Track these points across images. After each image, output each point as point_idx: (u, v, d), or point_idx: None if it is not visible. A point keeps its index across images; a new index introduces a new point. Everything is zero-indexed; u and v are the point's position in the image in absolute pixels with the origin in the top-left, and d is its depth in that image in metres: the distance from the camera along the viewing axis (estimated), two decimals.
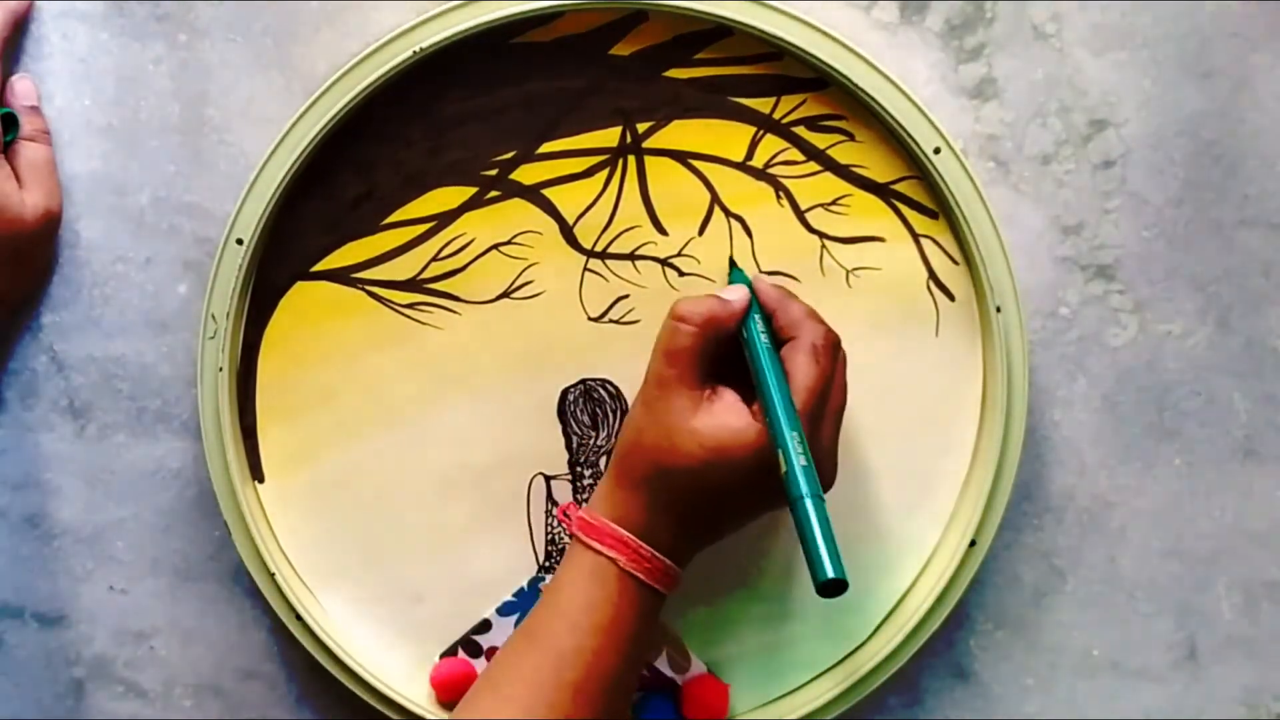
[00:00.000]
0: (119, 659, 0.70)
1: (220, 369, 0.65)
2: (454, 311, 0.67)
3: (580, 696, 0.58)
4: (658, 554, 0.59)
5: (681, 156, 0.66)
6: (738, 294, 0.62)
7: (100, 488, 0.69)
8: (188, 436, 0.69)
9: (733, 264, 0.66)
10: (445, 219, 0.66)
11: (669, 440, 0.58)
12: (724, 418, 0.58)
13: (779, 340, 0.61)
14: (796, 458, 0.56)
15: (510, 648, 0.60)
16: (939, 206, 0.66)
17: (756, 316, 0.61)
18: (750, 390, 0.60)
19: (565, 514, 0.62)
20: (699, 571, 0.66)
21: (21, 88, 0.66)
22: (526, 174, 0.66)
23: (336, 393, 0.67)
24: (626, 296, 0.67)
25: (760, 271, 0.66)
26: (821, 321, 0.62)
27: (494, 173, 0.66)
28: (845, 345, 0.65)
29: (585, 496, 0.68)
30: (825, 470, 0.60)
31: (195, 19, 0.66)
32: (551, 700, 0.57)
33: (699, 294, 0.62)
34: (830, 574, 0.54)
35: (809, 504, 0.55)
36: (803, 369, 0.59)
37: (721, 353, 0.61)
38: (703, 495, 0.59)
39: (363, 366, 0.67)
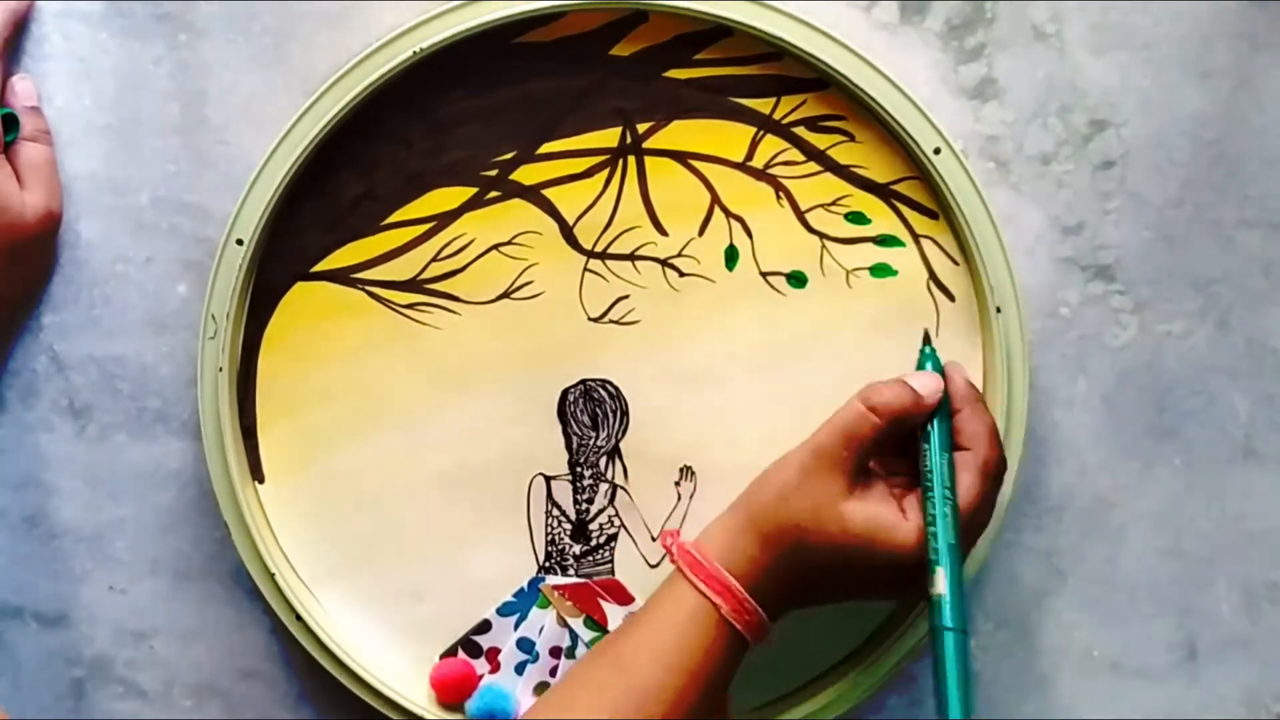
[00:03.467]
0: (119, 659, 0.70)
1: (220, 369, 0.65)
2: (454, 312, 0.67)
3: None
4: (759, 609, 0.59)
5: (681, 157, 0.66)
6: (930, 386, 0.60)
7: (100, 488, 0.69)
8: (188, 437, 0.69)
9: (926, 341, 0.64)
10: (445, 219, 0.66)
11: (814, 515, 0.58)
12: (876, 508, 0.58)
13: (949, 438, 0.61)
14: (949, 585, 0.57)
15: (591, 670, 0.60)
16: (939, 207, 0.66)
17: (940, 420, 0.60)
18: (897, 476, 0.60)
19: (669, 540, 0.61)
20: None
21: (22, 88, 0.66)
22: (526, 174, 0.66)
23: (336, 393, 0.67)
24: (627, 297, 0.67)
25: (760, 273, 0.66)
26: (998, 440, 0.61)
27: (494, 173, 0.66)
28: (845, 346, 0.65)
29: (585, 496, 0.68)
30: (980, 520, 0.61)
31: (195, 19, 0.66)
32: None
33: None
34: (959, 715, 0.55)
35: (952, 639, 0.56)
36: (967, 487, 0.59)
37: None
38: (827, 575, 0.59)
39: (363, 367, 0.67)
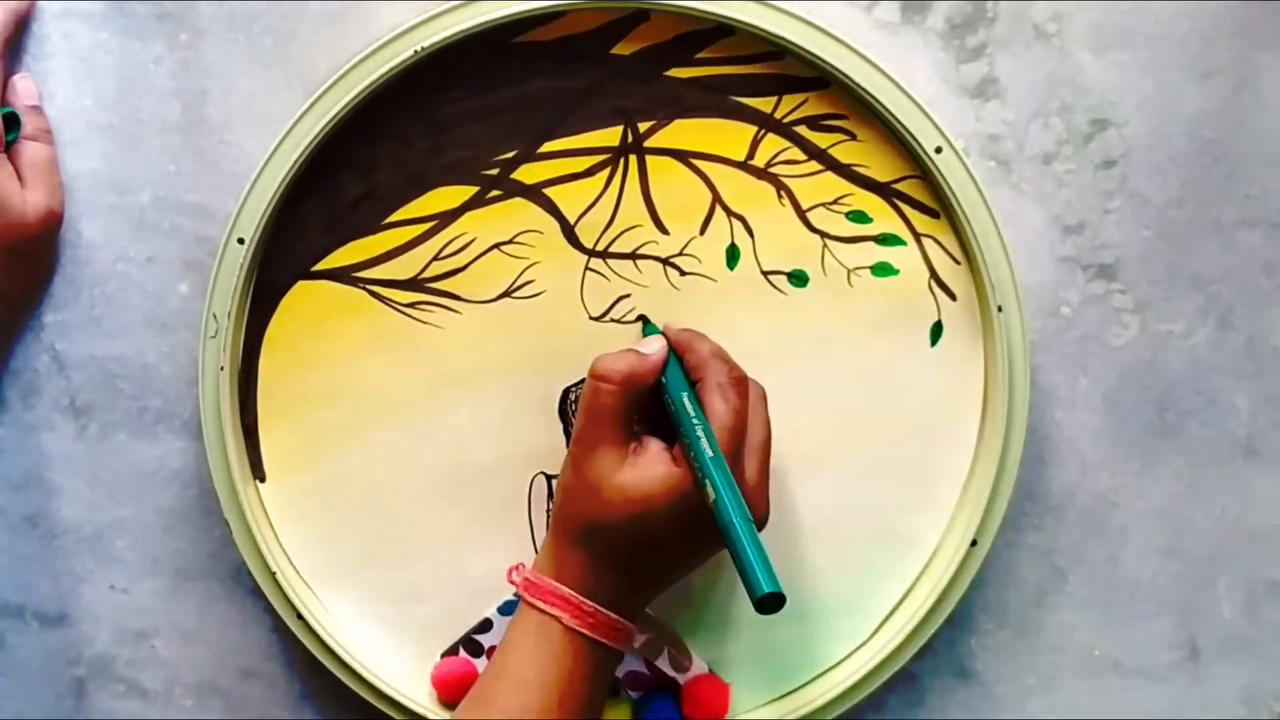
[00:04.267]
0: (120, 658, 0.70)
1: (221, 368, 0.65)
2: (455, 311, 0.67)
3: None
4: (601, 609, 0.59)
5: (683, 156, 0.66)
6: (655, 345, 0.62)
7: (101, 487, 0.69)
8: (189, 436, 0.69)
9: (644, 320, 0.66)
10: (446, 218, 0.66)
11: (597, 497, 0.59)
12: (648, 469, 0.59)
13: (692, 382, 0.62)
14: (721, 484, 0.57)
15: (464, 710, 0.61)
16: (940, 206, 0.66)
17: (674, 363, 0.62)
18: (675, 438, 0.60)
19: (514, 575, 0.62)
20: (700, 573, 0.66)
21: (23, 87, 0.66)
22: (528, 173, 0.66)
23: (338, 392, 0.67)
24: (628, 296, 0.67)
25: (761, 273, 0.66)
26: (728, 360, 0.62)
27: (495, 172, 0.66)
28: (847, 344, 0.65)
29: None
30: (757, 506, 0.60)
31: (196, 18, 0.66)
32: None
33: (618, 348, 0.63)
34: (765, 589, 0.54)
35: (737, 528, 0.56)
36: (715, 408, 0.60)
37: (645, 404, 0.62)
38: (639, 547, 0.59)
39: (364, 366, 0.67)
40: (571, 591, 0.59)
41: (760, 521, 0.60)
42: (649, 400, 0.62)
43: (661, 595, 0.64)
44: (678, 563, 0.62)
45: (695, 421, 0.59)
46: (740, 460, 0.60)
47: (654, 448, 0.60)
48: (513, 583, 0.61)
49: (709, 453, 0.58)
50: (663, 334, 0.64)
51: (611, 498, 0.59)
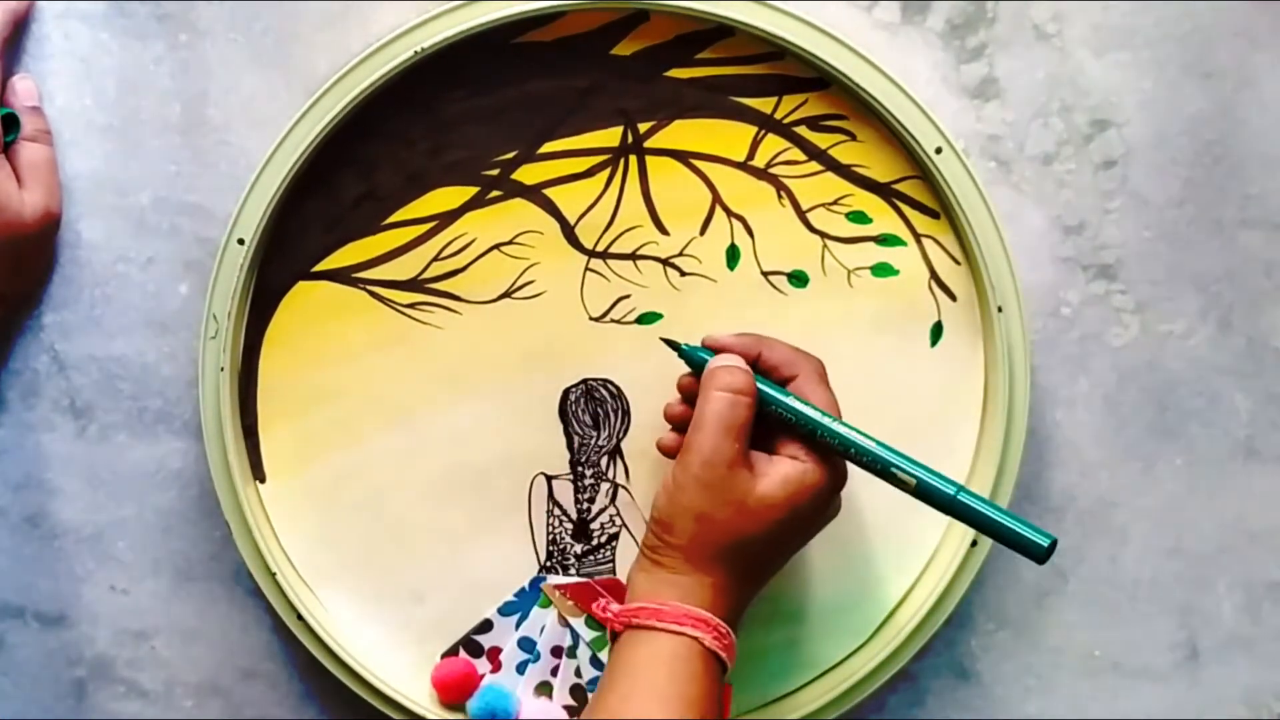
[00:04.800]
0: (120, 659, 0.70)
1: (221, 369, 0.65)
2: (455, 311, 0.67)
3: None
4: (731, 630, 0.59)
5: (683, 156, 0.66)
6: (734, 359, 0.61)
7: (101, 488, 0.69)
8: (189, 436, 0.69)
9: (682, 346, 0.63)
10: (446, 219, 0.66)
11: (744, 516, 0.58)
12: (778, 472, 0.59)
13: (783, 380, 0.61)
14: (917, 464, 0.58)
15: None
16: (940, 206, 0.66)
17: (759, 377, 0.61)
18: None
19: (609, 611, 0.60)
20: None
21: (23, 87, 0.66)
22: (528, 174, 0.66)
23: (338, 392, 0.67)
24: (628, 296, 0.67)
25: (761, 273, 0.66)
26: (805, 352, 0.62)
27: (495, 173, 0.66)
28: (847, 345, 0.65)
29: (587, 496, 0.68)
30: (843, 475, 0.61)
31: (196, 19, 0.66)
32: None
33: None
34: (1045, 543, 0.57)
35: (967, 494, 0.58)
36: (824, 399, 0.60)
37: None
38: (773, 549, 0.60)
39: (364, 366, 0.67)
40: (710, 615, 0.58)
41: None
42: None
43: None
44: (790, 555, 0.62)
45: (829, 419, 0.59)
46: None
47: (761, 457, 0.60)
48: (609, 619, 0.60)
49: (870, 443, 0.59)
50: (716, 345, 0.62)
51: (757, 513, 0.58)
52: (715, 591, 0.59)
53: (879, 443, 0.59)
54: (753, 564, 0.60)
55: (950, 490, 0.58)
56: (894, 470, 0.59)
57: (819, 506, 0.60)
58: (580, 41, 0.65)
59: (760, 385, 0.60)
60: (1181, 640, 0.71)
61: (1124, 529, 0.70)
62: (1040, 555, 0.57)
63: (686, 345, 0.63)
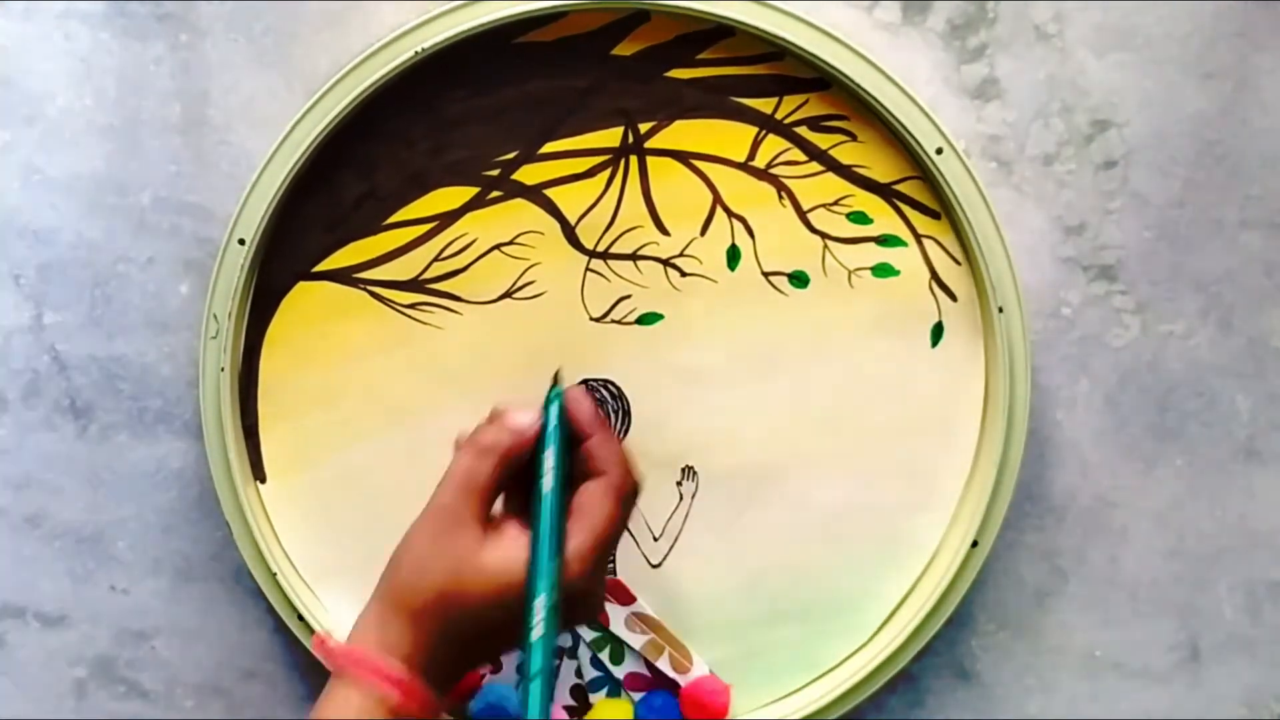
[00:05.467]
0: (120, 659, 0.70)
1: (222, 369, 0.65)
2: (456, 312, 0.67)
3: None
4: (429, 690, 0.56)
5: (683, 157, 0.66)
6: (528, 420, 0.58)
7: (102, 488, 0.69)
8: (189, 436, 0.69)
9: (556, 381, 0.60)
10: (447, 219, 0.66)
11: (458, 577, 0.56)
12: (508, 551, 0.56)
13: (582, 470, 0.58)
14: (543, 627, 0.54)
15: None
16: (941, 207, 0.66)
17: (552, 448, 0.57)
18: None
19: (324, 644, 0.58)
20: (700, 572, 0.66)
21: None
22: (528, 174, 0.66)
23: (338, 392, 0.67)
24: (629, 297, 0.67)
25: (762, 273, 0.66)
26: (631, 466, 0.58)
27: (496, 173, 0.66)
28: (847, 346, 0.64)
29: None
30: (591, 607, 0.59)
31: (197, 19, 0.66)
32: None
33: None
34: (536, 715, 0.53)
35: (534, 684, 0.54)
36: (602, 511, 0.57)
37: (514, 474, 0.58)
38: (487, 626, 0.56)
39: (364, 366, 0.67)
40: (403, 670, 0.55)
41: (589, 616, 0.59)
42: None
43: (662, 596, 0.64)
44: (515, 645, 0.57)
45: (551, 537, 0.56)
46: (601, 563, 0.57)
47: (512, 530, 0.57)
48: (325, 653, 0.57)
49: (542, 581, 0.55)
50: (562, 400, 0.59)
51: (472, 579, 0.55)
52: (417, 650, 0.56)
53: (546, 588, 0.55)
54: (461, 635, 0.56)
55: (527, 667, 0.54)
56: (530, 595, 0.55)
57: (518, 610, 0.55)
58: (581, 42, 0.65)
59: (540, 474, 0.57)
60: (1182, 641, 0.71)
61: (1124, 529, 0.70)
62: None
63: (554, 389, 0.60)
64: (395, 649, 0.56)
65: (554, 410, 0.58)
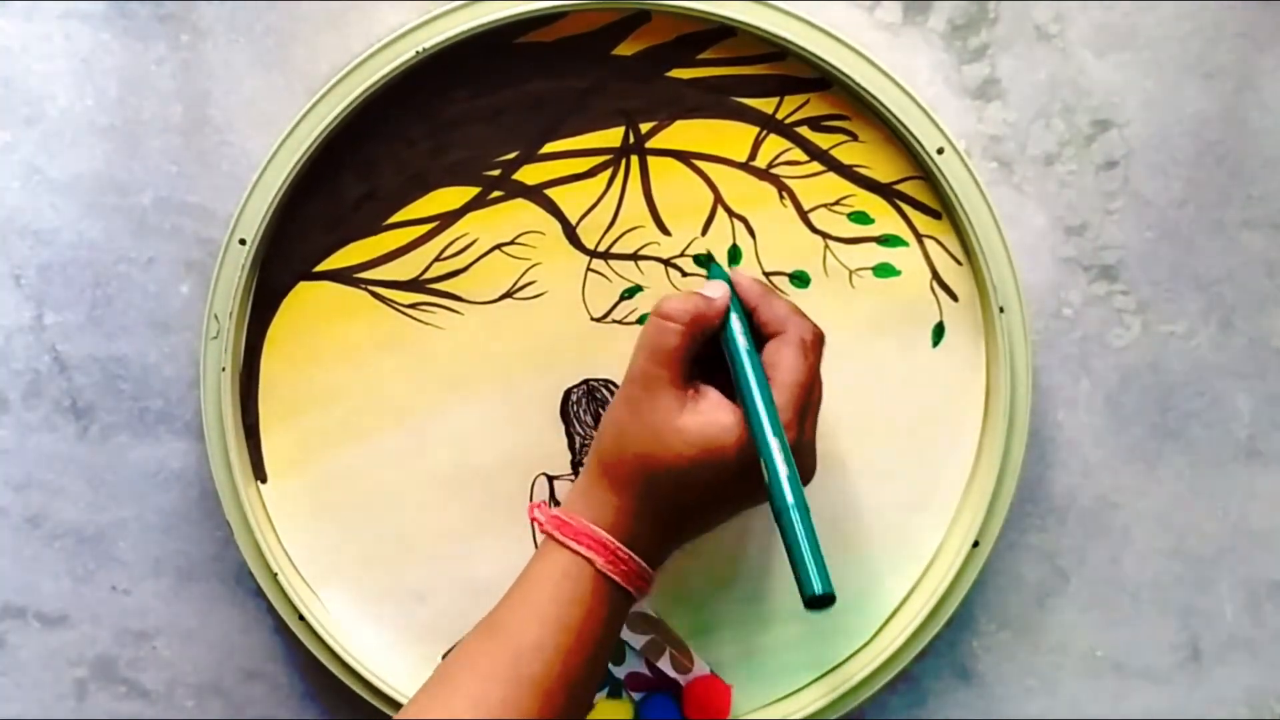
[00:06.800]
0: (121, 659, 0.70)
1: (223, 369, 0.65)
2: (457, 312, 0.67)
3: (537, 692, 0.55)
4: (635, 556, 0.58)
5: (684, 157, 0.66)
6: (719, 290, 0.61)
7: (103, 488, 0.69)
8: (190, 437, 0.69)
9: (711, 259, 0.65)
10: (448, 219, 0.66)
11: (656, 440, 0.57)
12: (711, 415, 0.57)
13: (761, 337, 0.61)
14: (780, 466, 0.55)
15: (470, 639, 0.58)
16: (942, 207, 0.66)
17: (735, 315, 0.61)
18: (732, 388, 0.59)
19: (537, 512, 0.60)
20: (702, 572, 0.66)
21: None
22: (529, 174, 0.66)
23: (339, 393, 0.67)
24: (630, 297, 0.67)
25: (763, 273, 0.66)
26: (806, 317, 0.61)
27: (497, 173, 0.66)
28: (848, 346, 0.64)
29: None
30: (807, 465, 0.60)
31: (198, 19, 0.66)
32: (505, 695, 0.55)
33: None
34: (818, 590, 0.53)
35: (795, 515, 0.55)
36: (792, 365, 0.59)
37: (704, 352, 0.60)
38: (690, 493, 0.58)
39: (365, 366, 0.67)
40: (608, 535, 0.57)
41: (808, 476, 0.60)
42: (707, 349, 0.60)
43: (662, 596, 0.64)
44: (721, 513, 0.60)
45: (759, 387, 0.57)
46: (804, 418, 0.59)
47: (713, 396, 0.58)
48: (536, 520, 0.59)
49: (771, 426, 0.56)
50: (729, 280, 0.62)
51: (672, 441, 0.57)
52: (620, 514, 0.58)
53: (772, 426, 0.56)
54: (664, 501, 0.58)
55: (781, 503, 0.55)
56: (762, 457, 0.56)
57: (736, 468, 0.57)
58: (582, 42, 0.65)
59: (730, 335, 0.59)
60: (1183, 641, 0.71)
61: (1126, 529, 0.70)
62: (806, 599, 0.54)
63: (715, 266, 0.64)
64: (600, 517, 0.58)
65: (722, 280, 0.61)
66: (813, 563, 0.54)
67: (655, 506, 0.58)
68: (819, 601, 0.53)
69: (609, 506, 0.58)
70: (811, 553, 0.54)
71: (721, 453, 0.57)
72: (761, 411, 0.57)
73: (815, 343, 0.60)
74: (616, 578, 0.57)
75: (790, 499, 0.55)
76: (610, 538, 0.58)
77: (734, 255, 0.66)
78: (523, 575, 0.59)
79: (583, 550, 0.57)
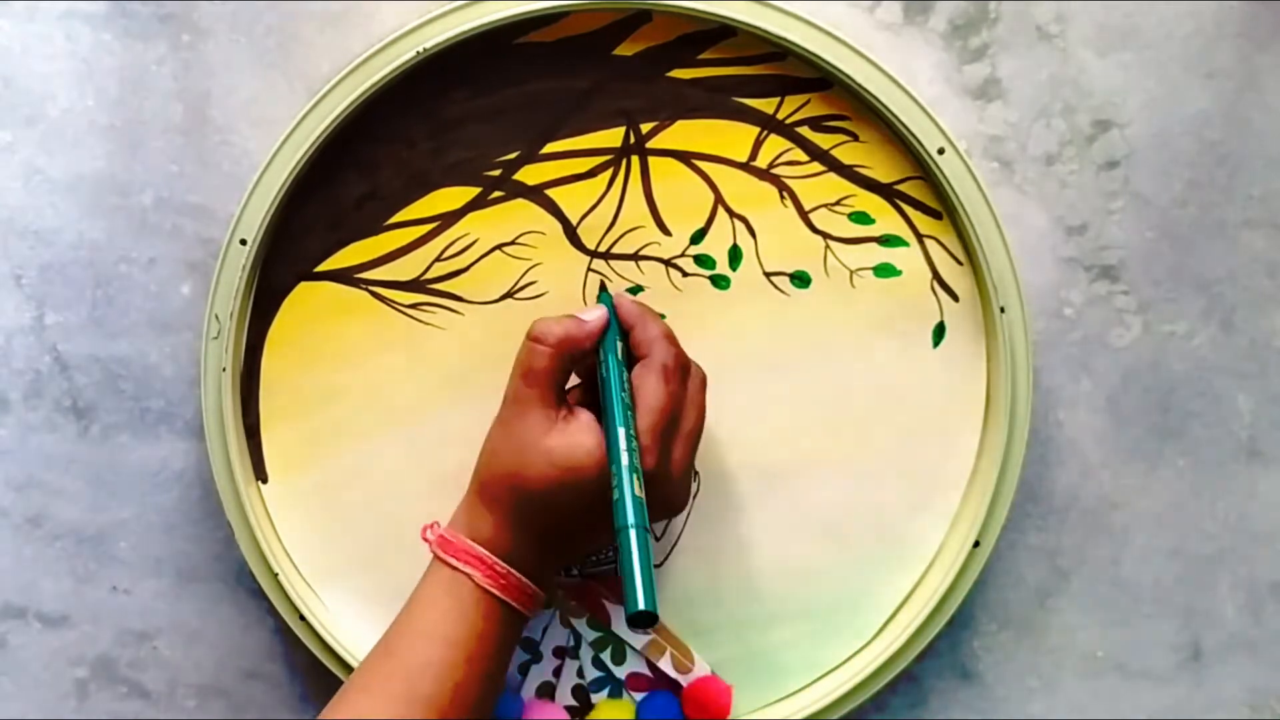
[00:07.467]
0: (122, 659, 0.70)
1: (224, 369, 0.65)
2: (457, 312, 0.67)
3: (430, 709, 0.57)
4: (514, 572, 0.59)
5: (685, 157, 0.66)
6: (595, 314, 0.61)
7: (103, 488, 0.69)
8: (191, 437, 0.69)
9: (602, 288, 0.66)
10: (448, 219, 0.66)
11: (522, 459, 0.58)
12: (576, 437, 0.58)
13: (634, 360, 0.61)
14: (626, 488, 0.56)
15: (366, 660, 0.60)
16: (943, 207, 0.66)
17: (613, 338, 0.61)
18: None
19: (428, 533, 0.61)
20: (702, 572, 0.66)
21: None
22: (530, 174, 0.66)
23: (340, 393, 0.67)
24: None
25: (764, 273, 0.66)
26: (675, 343, 0.61)
27: (497, 173, 0.66)
28: (849, 346, 0.64)
29: None
30: (676, 493, 0.60)
31: (198, 19, 0.66)
32: (398, 714, 0.57)
33: (557, 315, 0.61)
34: (642, 606, 0.53)
35: (630, 535, 0.55)
36: (653, 390, 0.59)
37: (584, 375, 0.62)
38: (556, 514, 0.59)
39: (366, 367, 0.67)
40: (485, 551, 0.59)
41: (677, 508, 0.60)
42: (589, 371, 0.62)
43: (663, 596, 0.64)
44: (595, 534, 0.60)
45: (617, 407, 0.58)
46: (669, 445, 0.59)
47: (584, 418, 0.59)
48: (426, 540, 0.61)
49: (622, 447, 0.57)
50: (612, 303, 0.63)
51: (536, 461, 0.58)
52: (498, 530, 0.59)
53: (626, 446, 0.57)
54: (536, 519, 0.59)
55: (620, 522, 0.55)
56: (611, 472, 0.57)
57: (587, 498, 0.58)
58: (582, 42, 0.65)
59: (605, 356, 0.60)
60: (1184, 641, 0.71)
61: (1126, 529, 0.70)
62: (629, 615, 0.53)
63: (603, 293, 0.65)
64: (478, 534, 0.60)
65: (604, 305, 0.62)
66: (641, 582, 0.54)
67: (528, 524, 0.59)
68: (642, 618, 0.53)
69: (487, 524, 0.59)
70: (642, 572, 0.54)
71: (583, 472, 0.58)
72: (615, 428, 0.57)
73: (676, 369, 0.60)
74: (497, 592, 0.59)
75: (631, 519, 0.55)
76: (488, 553, 0.59)
77: (735, 255, 0.66)
78: (412, 595, 0.60)
79: (462, 566, 0.59)
